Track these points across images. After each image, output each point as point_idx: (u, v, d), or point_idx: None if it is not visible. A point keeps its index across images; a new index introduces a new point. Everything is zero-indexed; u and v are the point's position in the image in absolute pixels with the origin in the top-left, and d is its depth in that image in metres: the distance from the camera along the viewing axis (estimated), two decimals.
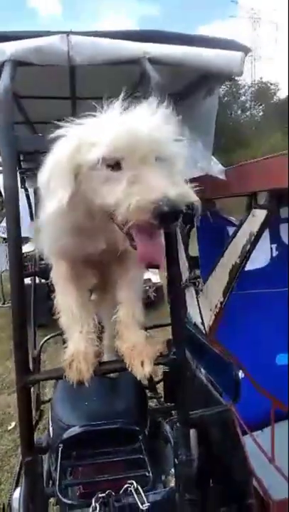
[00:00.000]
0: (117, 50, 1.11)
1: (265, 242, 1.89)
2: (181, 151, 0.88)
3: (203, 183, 1.41)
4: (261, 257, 1.87)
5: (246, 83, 28.50)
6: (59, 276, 1.08)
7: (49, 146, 0.86)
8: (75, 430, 1.36)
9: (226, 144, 25.36)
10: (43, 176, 0.85)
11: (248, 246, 1.33)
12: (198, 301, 1.97)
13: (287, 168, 1.04)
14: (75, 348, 0.99)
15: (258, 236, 1.29)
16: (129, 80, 1.15)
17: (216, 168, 1.39)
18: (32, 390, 1.03)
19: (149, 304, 6.68)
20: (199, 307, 1.96)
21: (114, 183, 0.79)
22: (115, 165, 0.79)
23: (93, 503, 1.01)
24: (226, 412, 1.51)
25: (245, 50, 1.24)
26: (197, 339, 1.98)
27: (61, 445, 1.34)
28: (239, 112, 28.92)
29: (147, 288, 6.73)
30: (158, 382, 3.03)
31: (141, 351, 0.98)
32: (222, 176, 1.33)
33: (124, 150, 0.78)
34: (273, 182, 1.11)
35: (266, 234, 1.86)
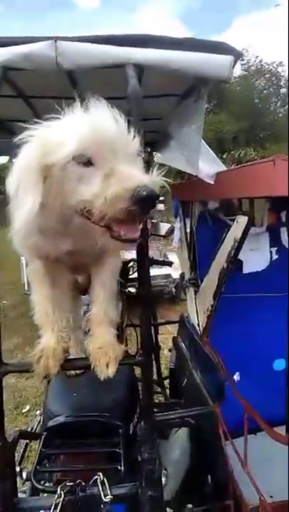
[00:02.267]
0: (103, 55, 1.13)
1: (264, 245, 1.86)
2: (139, 151, 0.89)
3: (199, 184, 1.43)
4: (260, 260, 1.85)
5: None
6: (34, 273, 1.12)
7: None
8: (59, 420, 1.43)
9: (263, 138, 24.59)
10: (11, 182, 0.85)
11: (233, 251, 1.33)
12: (196, 302, 1.97)
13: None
14: (46, 343, 1.04)
15: (241, 242, 1.28)
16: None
17: (206, 170, 1.38)
18: None
19: (171, 298, 6.79)
20: (196, 308, 1.97)
21: (88, 179, 0.80)
22: (87, 162, 0.80)
23: (58, 491, 1.06)
24: (208, 413, 1.53)
25: (236, 53, 1.22)
26: (193, 340, 2.00)
27: (45, 433, 1.41)
28: (279, 104, 27.74)
29: (168, 283, 6.81)
30: (165, 378, 3.10)
31: (107, 352, 1.01)
32: (210, 180, 1.33)
33: (95, 146, 0.79)
34: (253, 190, 1.10)
35: (266, 237, 1.84)
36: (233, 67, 1.20)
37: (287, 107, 22.93)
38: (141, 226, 0.82)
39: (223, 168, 1.67)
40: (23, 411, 3.77)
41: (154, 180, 0.78)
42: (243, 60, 26.34)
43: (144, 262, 1.05)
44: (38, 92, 1.43)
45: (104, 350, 1.01)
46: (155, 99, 1.50)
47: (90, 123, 0.81)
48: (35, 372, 0.99)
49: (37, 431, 1.96)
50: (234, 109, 24.86)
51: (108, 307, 1.10)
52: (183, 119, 1.49)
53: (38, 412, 3.40)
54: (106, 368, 0.99)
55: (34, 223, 0.90)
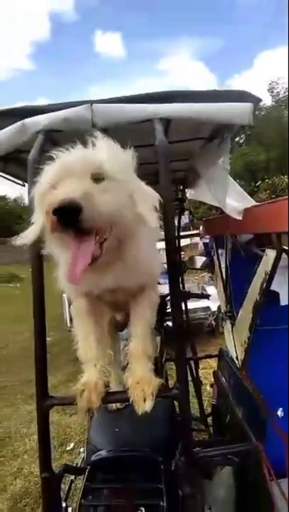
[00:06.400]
0: (133, 113, 1.27)
1: None
2: (127, 173, 0.98)
3: (229, 219, 1.49)
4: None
5: None
6: (77, 311, 1.19)
7: None
8: (102, 454, 1.46)
9: None
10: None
11: (265, 284, 1.35)
12: (233, 335, 1.97)
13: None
14: (88, 378, 1.10)
15: (271, 275, 1.31)
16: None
17: (234, 206, 1.44)
18: None
19: (211, 331, 6.65)
20: (234, 341, 1.96)
21: None
22: (54, 185, 0.90)
23: None
24: (252, 451, 1.49)
25: (256, 100, 1.31)
26: (232, 374, 1.98)
27: (88, 467, 1.45)
28: None
29: (207, 316, 6.70)
30: (208, 415, 3.01)
31: (144, 386, 1.04)
32: (237, 216, 1.38)
33: (59, 171, 0.92)
34: (278, 225, 1.14)
35: None
36: (254, 112, 1.30)
37: None
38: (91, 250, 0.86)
39: (252, 203, 1.72)
40: (68, 449, 3.76)
41: (86, 195, 0.82)
42: (272, 92, 27.15)
43: (177, 295, 1.10)
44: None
45: (142, 386, 1.05)
46: (183, 142, 1.62)
47: (64, 154, 0.96)
48: (78, 405, 1.04)
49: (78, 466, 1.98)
50: (264, 140, 25.13)
51: (145, 342, 1.14)
52: (209, 159, 1.58)
53: (81, 449, 3.38)
54: (143, 403, 1.02)
55: None
